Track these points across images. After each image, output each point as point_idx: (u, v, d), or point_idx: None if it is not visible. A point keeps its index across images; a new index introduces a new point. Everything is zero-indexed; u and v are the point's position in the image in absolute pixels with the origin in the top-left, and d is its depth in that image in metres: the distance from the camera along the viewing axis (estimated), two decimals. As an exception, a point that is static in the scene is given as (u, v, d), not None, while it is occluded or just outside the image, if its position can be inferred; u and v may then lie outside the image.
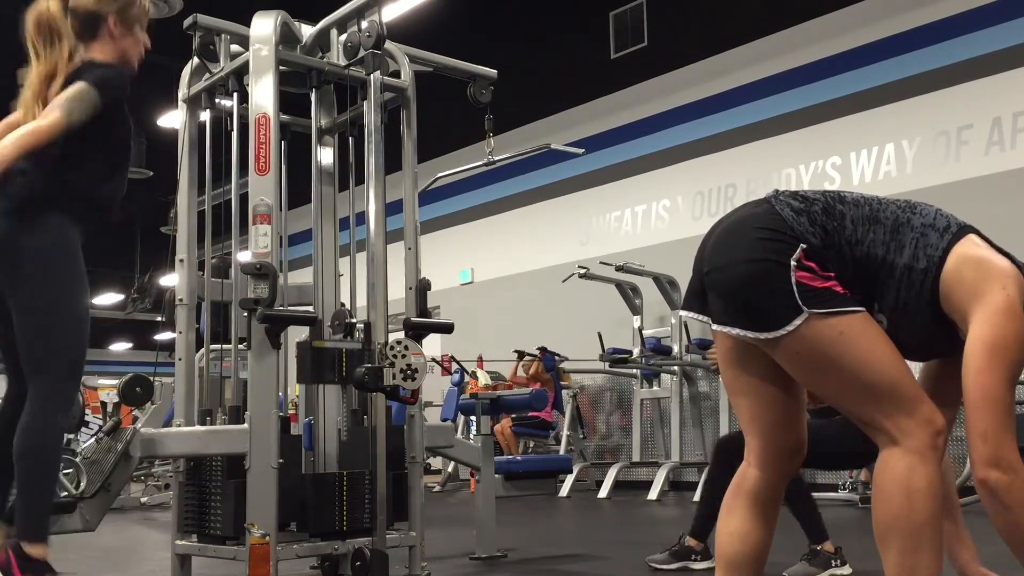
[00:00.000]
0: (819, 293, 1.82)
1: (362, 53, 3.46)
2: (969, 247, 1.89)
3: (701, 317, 2.02)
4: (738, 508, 2.02)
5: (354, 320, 3.44)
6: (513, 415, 8.57)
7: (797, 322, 1.80)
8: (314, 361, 3.30)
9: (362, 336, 3.39)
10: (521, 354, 9.43)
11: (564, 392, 9.45)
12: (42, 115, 2.71)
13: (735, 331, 1.88)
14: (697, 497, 7.36)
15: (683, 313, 2.11)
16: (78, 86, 2.73)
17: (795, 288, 1.81)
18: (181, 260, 3.71)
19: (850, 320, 1.82)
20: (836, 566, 3.70)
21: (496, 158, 6.74)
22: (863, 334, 1.82)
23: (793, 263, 1.82)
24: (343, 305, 3.82)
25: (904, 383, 1.83)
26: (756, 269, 1.85)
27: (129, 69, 2.94)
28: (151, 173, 12.98)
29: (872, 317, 1.87)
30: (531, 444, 9.57)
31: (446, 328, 3.82)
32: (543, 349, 9.28)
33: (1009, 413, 1.78)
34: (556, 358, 9.31)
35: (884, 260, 1.89)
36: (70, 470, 3.27)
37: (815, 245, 1.85)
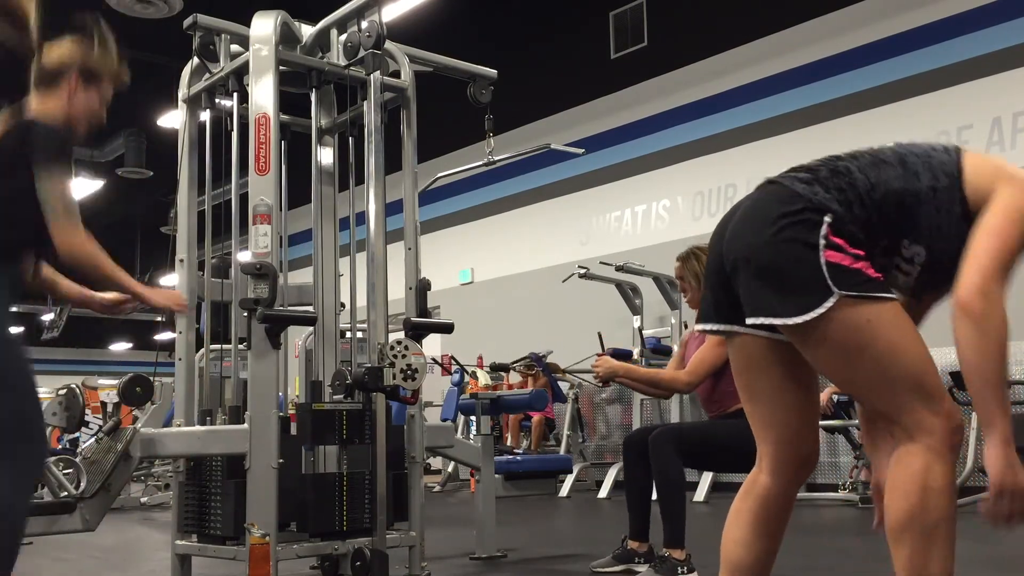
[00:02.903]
0: (850, 275, 1.78)
1: (362, 53, 3.46)
2: (975, 155, 1.91)
3: (721, 327, 1.97)
4: (745, 514, 1.99)
5: (349, 381, 3.39)
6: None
7: (828, 304, 1.76)
8: (314, 424, 3.32)
9: (363, 398, 3.40)
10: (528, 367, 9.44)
11: (563, 386, 9.47)
12: (75, 242, 2.48)
13: (765, 320, 1.82)
14: (699, 497, 7.36)
15: (700, 327, 2.04)
16: (56, 185, 2.49)
17: (825, 269, 1.77)
18: (181, 260, 3.71)
19: (881, 308, 1.78)
20: (682, 573, 3.61)
21: (496, 158, 6.75)
22: (894, 322, 1.79)
23: (822, 241, 1.78)
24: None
25: (929, 376, 1.80)
26: (783, 251, 1.81)
27: (74, 131, 2.71)
28: (151, 173, 13.01)
29: (902, 305, 1.83)
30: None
31: (446, 328, 3.82)
32: (533, 359, 9.32)
33: (1009, 267, 1.78)
34: (543, 356, 9.35)
35: (906, 190, 1.86)
36: (70, 470, 3.27)
37: (839, 212, 1.81)
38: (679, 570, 3.57)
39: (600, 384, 3.99)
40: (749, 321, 1.86)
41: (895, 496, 1.79)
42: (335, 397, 3.44)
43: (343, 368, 3.54)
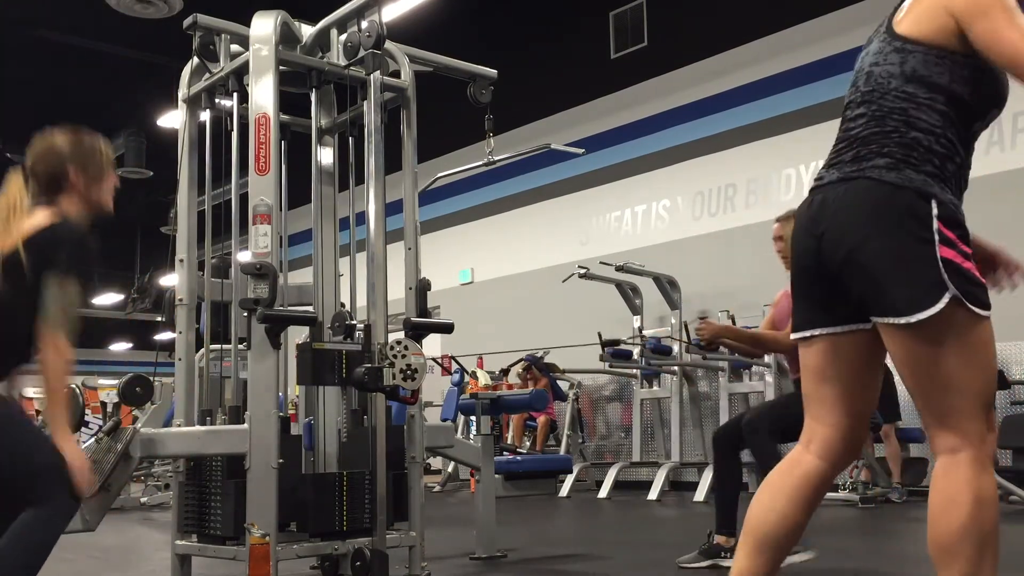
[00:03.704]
0: (963, 275, 1.79)
1: (362, 53, 3.46)
2: (900, 21, 1.96)
3: (827, 331, 1.96)
4: (787, 489, 1.97)
5: (354, 321, 3.44)
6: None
7: (944, 302, 1.77)
8: (314, 363, 3.30)
9: (362, 337, 3.39)
10: (527, 368, 9.46)
11: (563, 385, 9.49)
12: (48, 349, 2.51)
13: (891, 320, 1.81)
14: (699, 497, 7.36)
15: (799, 336, 2.01)
16: (60, 291, 2.52)
17: (941, 265, 1.77)
18: (181, 260, 3.71)
19: (982, 319, 1.81)
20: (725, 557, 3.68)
21: (496, 158, 6.75)
22: (988, 334, 1.82)
23: (936, 236, 1.79)
24: (343, 306, 3.83)
25: (994, 389, 1.85)
26: (897, 248, 1.81)
27: (103, 212, 2.77)
28: (151, 173, 13.01)
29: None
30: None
31: (446, 328, 3.82)
32: (530, 361, 9.34)
33: None
34: (541, 357, 9.37)
35: (946, 93, 1.88)
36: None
37: (939, 194, 1.81)
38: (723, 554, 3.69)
39: (704, 347, 4.00)
40: (876, 320, 1.86)
41: (948, 508, 1.78)
42: (335, 339, 3.43)
43: (343, 310, 3.53)
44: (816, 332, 1.98)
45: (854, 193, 1.89)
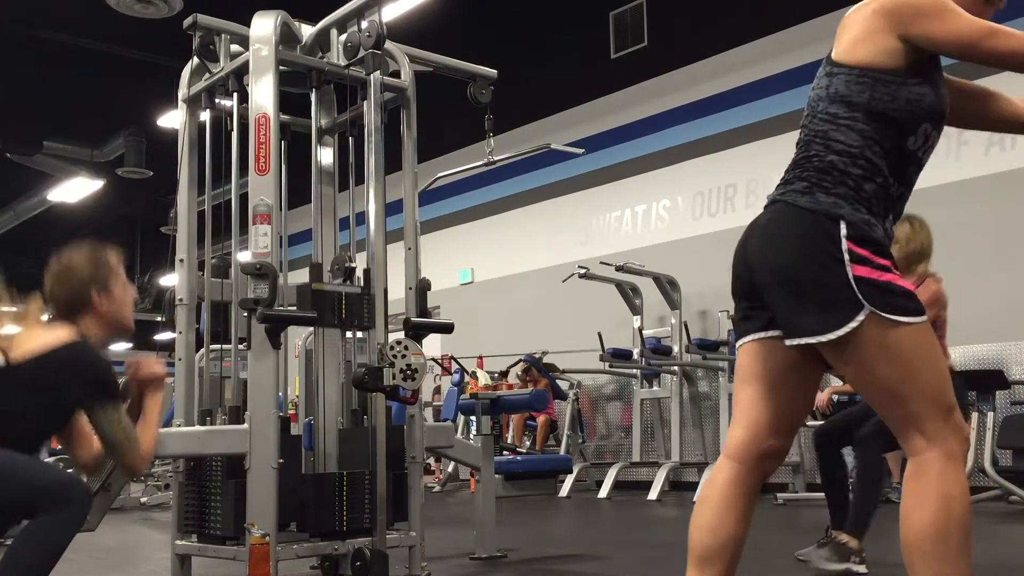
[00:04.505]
0: (880, 289, 1.81)
1: (362, 53, 3.46)
2: (840, 46, 1.99)
3: (754, 336, 2.00)
4: (713, 499, 1.99)
5: (353, 265, 3.44)
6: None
7: (860, 318, 1.79)
8: (315, 303, 3.30)
9: (362, 282, 3.40)
10: (526, 370, 9.47)
11: (562, 385, 9.49)
12: (137, 457, 2.71)
13: (803, 341, 1.85)
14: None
15: (741, 343, 2.05)
16: (113, 421, 2.63)
17: (854, 284, 1.80)
18: (181, 260, 3.71)
19: (910, 326, 1.81)
20: (855, 562, 3.64)
21: (496, 158, 6.74)
22: (921, 338, 1.83)
23: (846, 256, 1.82)
24: (343, 249, 3.81)
25: (947, 391, 1.85)
26: (809, 270, 1.84)
27: (122, 332, 2.85)
28: (151, 173, 13.01)
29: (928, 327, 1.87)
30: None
31: (446, 328, 3.82)
32: (528, 362, 9.35)
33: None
34: (539, 358, 9.38)
35: (868, 112, 1.91)
36: (71, 470, 3.27)
37: (849, 215, 1.84)
38: (853, 558, 3.63)
39: None
40: (788, 343, 1.90)
41: (916, 508, 1.80)
42: (335, 281, 3.43)
43: (344, 254, 3.55)
44: (745, 340, 2.02)
45: (772, 217, 1.96)
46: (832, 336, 1.81)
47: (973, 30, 1.89)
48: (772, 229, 1.95)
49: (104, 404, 2.62)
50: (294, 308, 3.42)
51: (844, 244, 1.82)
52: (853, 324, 1.80)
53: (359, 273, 3.50)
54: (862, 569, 3.66)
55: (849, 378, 1.92)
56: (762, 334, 1.98)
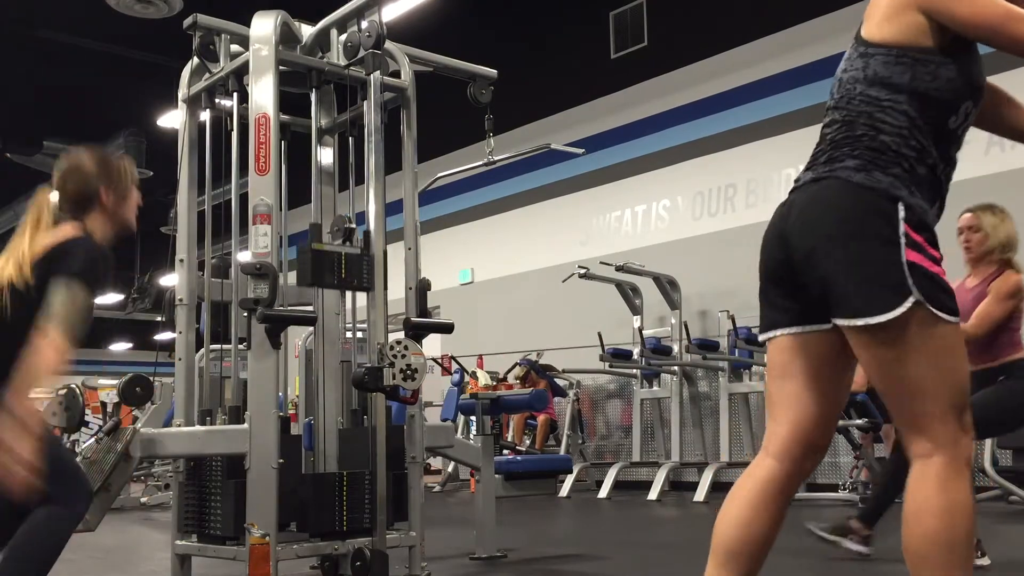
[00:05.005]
0: (930, 279, 1.78)
1: (362, 53, 3.46)
2: (867, 25, 1.96)
3: (788, 331, 1.95)
4: (746, 496, 1.94)
5: (352, 225, 3.43)
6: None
7: (907, 304, 1.75)
8: (314, 263, 3.29)
9: (362, 242, 3.40)
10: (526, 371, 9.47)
11: (561, 383, 9.49)
12: (43, 342, 2.44)
13: (853, 322, 1.79)
14: (699, 497, 7.35)
15: (766, 336, 2.00)
16: (66, 292, 2.49)
17: (906, 268, 1.76)
18: (181, 260, 3.71)
19: (949, 324, 1.79)
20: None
21: (496, 158, 6.74)
22: (955, 338, 1.81)
23: (902, 239, 1.78)
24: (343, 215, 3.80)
25: (967, 392, 1.83)
26: (863, 248, 1.80)
27: (125, 230, 2.83)
28: (151, 173, 13.00)
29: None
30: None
31: (446, 328, 3.82)
32: (526, 364, 9.35)
33: None
34: (536, 359, 9.38)
35: (911, 94, 1.88)
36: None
37: (906, 198, 1.81)
38: (851, 537, 3.75)
39: None
40: (837, 321, 1.84)
41: (919, 514, 1.78)
42: (334, 243, 3.42)
43: (343, 215, 3.54)
44: (778, 333, 1.97)
45: (823, 192, 1.90)
46: (879, 319, 1.76)
47: (998, 12, 1.84)
48: (821, 202, 1.88)
49: (72, 279, 2.51)
50: (294, 308, 3.43)
51: (902, 227, 1.78)
52: (901, 310, 1.75)
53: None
54: (855, 547, 3.72)
55: (871, 366, 1.84)
56: (796, 328, 1.93)
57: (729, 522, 1.93)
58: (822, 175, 1.91)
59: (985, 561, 3.70)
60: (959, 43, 1.89)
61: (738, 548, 1.91)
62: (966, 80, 1.90)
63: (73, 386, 3.63)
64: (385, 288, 3.48)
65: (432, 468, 10.67)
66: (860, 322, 1.78)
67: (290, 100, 3.65)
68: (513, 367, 9.67)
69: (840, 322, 1.83)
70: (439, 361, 10.45)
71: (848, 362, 1.95)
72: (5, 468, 2.29)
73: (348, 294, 3.92)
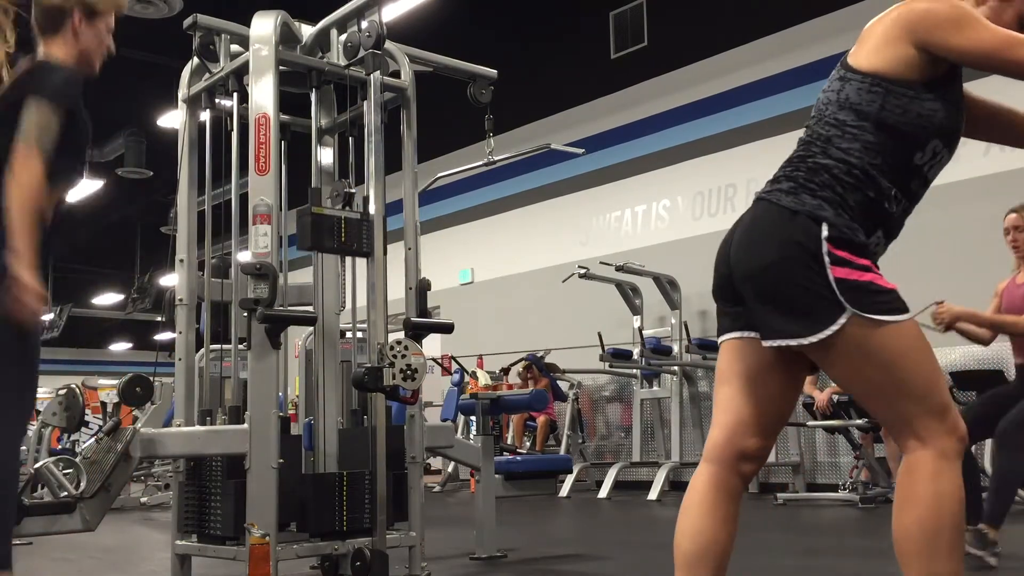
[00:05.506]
0: (861, 290, 1.79)
1: (362, 53, 3.46)
2: (858, 54, 1.96)
3: (742, 335, 1.97)
4: (692, 506, 1.96)
5: (352, 191, 3.42)
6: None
7: (842, 321, 1.78)
8: (314, 226, 3.28)
9: (360, 209, 3.40)
10: (527, 367, 9.48)
11: (562, 385, 9.49)
12: (17, 163, 2.39)
13: (781, 343, 1.84)
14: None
15: (722, 339, 2.02)
16: (37, 112, 2.44)
17: (835, 285, 1.79)
18: (181, 260, 3.71)
19: (896, 326, 1.80)
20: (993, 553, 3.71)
21: (496, 158, 6.75)
22: (908, 338, 1.81)
23: (826, 258, 1.80)
24: (342, 179, 3.80)
25: (939, 390, 1.84)
26: (789, 272, 1.82)
27: (89, 69, 2.72)
28: (151, 173, 13.01)
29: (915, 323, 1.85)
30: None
31: (446, 328, 3.82)
32: (531, 360, 9.36)
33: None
34: (541, 357, 9.39)
35: (878, 123, 1.88)
36: (70, 470, 3.27)
37: (831, 218, 1.82)
38: (991, 548, 3.70)
39: (942, 331, 4.03)
40: (765, 344, 1.88)
41: (907, 506, 1.79)
42: (334, 207, 3.42)
43: (343, 181, 3.54)
44: (725, 337, 2.00)
45: (756, 215, 1.94)
46: (814, 339, 1.80)
47: (994, 41, 1.86)
48: (754, 230, 1.92)
49: (42, 98, 2.46)
50: (294, 308, 3.42)
51: (824, 246, 1.81)
52: (835, 327, 1.78)
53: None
54: (993, 561, 3.72)
55: (838, 380, 1.91)
56: (741, 333, 1.96)
57: (683, 534, 1.95)
58: (762, 195, 1.95)
59: (993, 561, 3.70)
60: (940, 81, 1.90)
61: (694, 559, 1.92)
62: (938, 119, 1.90)
63: (73, 386, 3.64)
64: (384, 254, 3.46)
65: (432, 468, 10.68)
66: (794, 343, 1.82)
67: (290, 100, 3.65)
68: (518, 361, 9.68)
69: (774, 343, 1.86)
70: (439, 361, 10.46)
71: (793, 374, 1.96)
72: (14, 298, 2.31)
73: (349, 294, 3.92)
